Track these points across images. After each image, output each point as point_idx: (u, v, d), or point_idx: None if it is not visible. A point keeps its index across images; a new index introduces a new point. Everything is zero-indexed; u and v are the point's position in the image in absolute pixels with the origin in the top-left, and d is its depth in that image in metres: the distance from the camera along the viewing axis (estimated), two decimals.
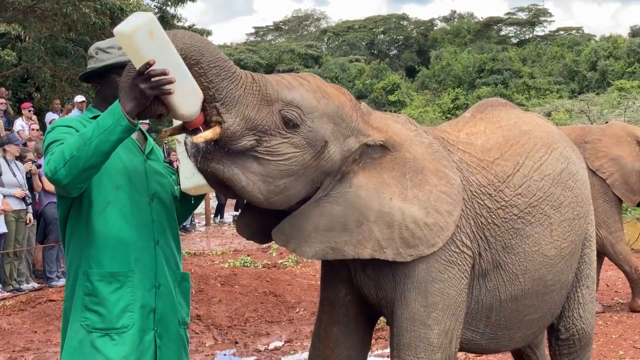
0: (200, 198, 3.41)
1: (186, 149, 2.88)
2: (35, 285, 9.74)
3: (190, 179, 3.19)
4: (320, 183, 3.12)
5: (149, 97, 2.69)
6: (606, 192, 7.76)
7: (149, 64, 2.63)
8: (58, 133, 2.92)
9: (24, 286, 9.54)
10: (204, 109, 2.84)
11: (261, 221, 3.26)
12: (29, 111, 13.95)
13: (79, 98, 13.86)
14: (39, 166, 9.85)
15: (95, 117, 2.90)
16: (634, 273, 7.91)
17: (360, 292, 3.43)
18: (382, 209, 3.15)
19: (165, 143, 17.64)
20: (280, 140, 2.97)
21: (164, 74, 2.65)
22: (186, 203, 3.35)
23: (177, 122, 3.01)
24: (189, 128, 2.86)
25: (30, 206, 9.71)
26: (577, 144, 7.83)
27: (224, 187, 3.02)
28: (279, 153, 2.97)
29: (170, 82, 2.66)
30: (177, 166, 3.25)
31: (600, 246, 7.87)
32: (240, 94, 2.87)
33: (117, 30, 2.66)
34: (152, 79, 2.65)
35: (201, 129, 2.84)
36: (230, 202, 18.61)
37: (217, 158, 2.90)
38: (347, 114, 3.16)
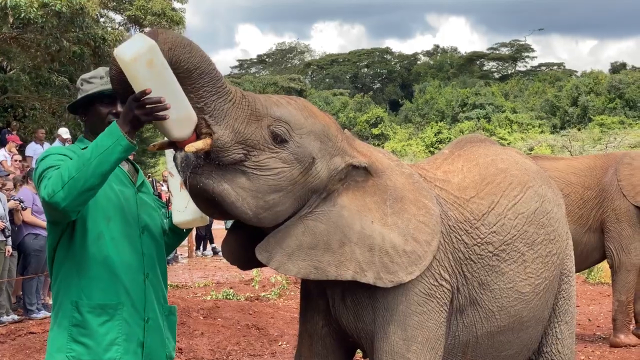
0: (186, 232, 3.40)
1: (175, 163, 2.87)
2: (15, 317, 9.63)
3: (183, 212, 3.18)
4: (307, 201, 3.15)
5: (144, 122, 2.72)
6: (632, 218, 7.81)
7: (144, 92, 2.65)
8: (53, 160, 2.89)
9: (4, 318, 9.42)
10: None
11: (244, 247, 3.27)
12: (16, 147, 13.83)
13: (63, 131, 13.75)
14: (21, 201, 9.78)
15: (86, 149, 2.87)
16: (625, 306, 7.92)
17: (338, 324, 3.44)
18: (363, 231, 3.18)
19: (149, 175, 17.59)
20: (268, 155, 3.00)
21: (159, 102, 2.67)
22: (173, 237, 3.34)
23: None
24: (179, 146, 2.87)
25: (9, 238, 9.61)
26: (605, 172, 7.94)
27: (212, 205, 3.02)
28: (267, 167, 2.99)
29: (165, 109, 2.68)
30: (168, 199, 3.24)
31: (614, 268, 7.96)
32: (229, 107, 2.90)
33: (116, 53, 2.67)
34: (147, 107, 2.67)
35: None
36: (214, 234, 18.50)
37: (207, 173, 2.91)
38: (333, 134, 3.21)
